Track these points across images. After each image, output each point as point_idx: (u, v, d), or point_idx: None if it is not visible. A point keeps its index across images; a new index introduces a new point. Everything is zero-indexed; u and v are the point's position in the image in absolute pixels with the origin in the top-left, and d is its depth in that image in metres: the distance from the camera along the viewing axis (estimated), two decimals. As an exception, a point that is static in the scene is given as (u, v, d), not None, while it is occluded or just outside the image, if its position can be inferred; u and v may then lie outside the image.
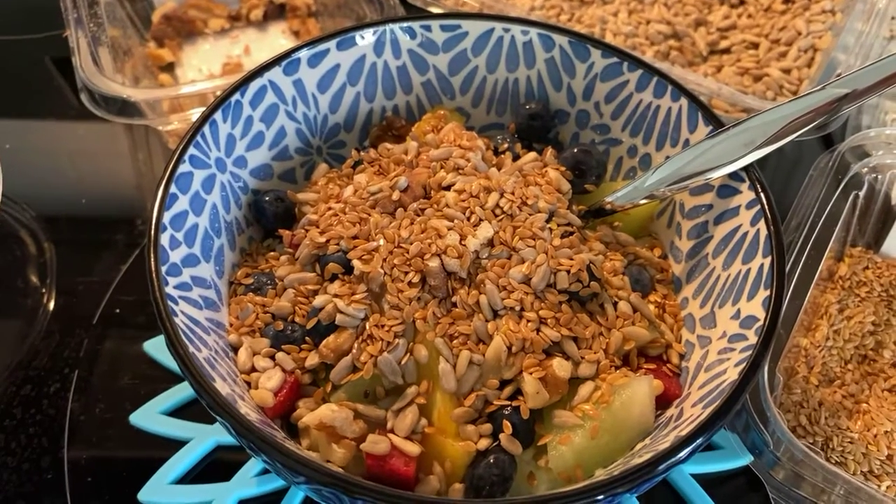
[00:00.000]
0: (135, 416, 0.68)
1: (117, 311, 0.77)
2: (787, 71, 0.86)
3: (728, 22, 0.92)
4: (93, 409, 0.70)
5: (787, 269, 0.68)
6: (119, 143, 0.95)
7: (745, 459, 0.65)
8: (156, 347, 0.72)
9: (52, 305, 0.79)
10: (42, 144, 0.95)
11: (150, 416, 0.68)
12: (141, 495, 0.62)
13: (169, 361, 0.71)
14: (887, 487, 0.64)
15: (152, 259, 0.53)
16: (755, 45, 0.90)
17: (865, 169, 0.78)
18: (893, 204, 0.79)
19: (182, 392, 0.69)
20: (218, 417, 0.48)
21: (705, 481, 0.65)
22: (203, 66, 0.98)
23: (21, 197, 0.87)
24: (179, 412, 0.69)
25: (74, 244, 0.85)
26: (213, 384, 0.49)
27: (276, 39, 1.02)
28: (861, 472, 0.64)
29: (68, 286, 0.80)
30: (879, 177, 0.78)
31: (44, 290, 0.80)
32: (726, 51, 0.90)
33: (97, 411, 0.70)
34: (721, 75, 0.87)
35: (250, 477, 0.64)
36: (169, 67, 0.98)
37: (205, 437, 0.66)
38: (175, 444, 0.66)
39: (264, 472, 0.65)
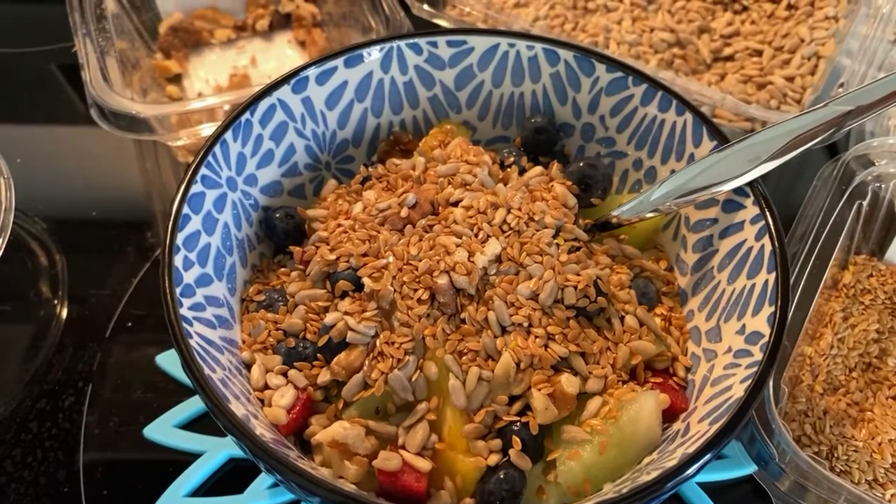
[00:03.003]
0: (149, 429, 0.69)
1: (129, 324, 0.78)
2: (790, 79, 0.86)
3: (731, 29, 0.92)
4: (107, 422, 0.71)
5: (792, 279, 0.68)
6: (128, 154, 0.96)
7: (750, 468, 0.66)
8: (168, 361, 0.73)
9: (64, 317, 0.80)
10: (53, 157, 0.96)
11: (164, 430, 0.69)
12: (156, 508, 0.64)
13: (181, 375, 0.72)
14: (892, 496, 0.64)
15: (167, 281, 0.54)
16: (759, 53, 0.90)
17: (869, 178, 0.78)
18: (897, 212, 0.80)
19: (195, 405, 0.70)
20: (234, 438, 0.49)
21: (711, 490, 0.66)
22: (210, 76, 0.99)
23: (32, 209, 0.88)
24: (192, 425, 0.70)
25: (86, 256, 0.86)
26: (229, 405, 0.50)
27: (282, 49, 1.03)
28: (866, 480, 0.65)
29: (80, 298, 0.81)
30: (883, 186, 0.79)
31: (56, 302, 0.81)
32: (730, 58, 0.90)
33: (111, 425, 0.71)
34: (725, 83, 0.87)
35: (263, 489, 0.65)
36: (176, 79, 0.99)
37: (218, 450, 0.67)
38: (189, 457, 0.67)
39: (277, 484, 0.66)
